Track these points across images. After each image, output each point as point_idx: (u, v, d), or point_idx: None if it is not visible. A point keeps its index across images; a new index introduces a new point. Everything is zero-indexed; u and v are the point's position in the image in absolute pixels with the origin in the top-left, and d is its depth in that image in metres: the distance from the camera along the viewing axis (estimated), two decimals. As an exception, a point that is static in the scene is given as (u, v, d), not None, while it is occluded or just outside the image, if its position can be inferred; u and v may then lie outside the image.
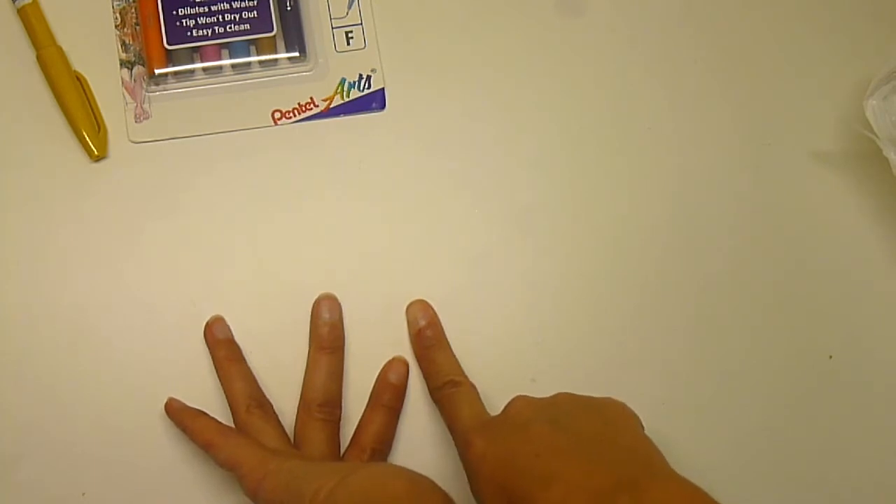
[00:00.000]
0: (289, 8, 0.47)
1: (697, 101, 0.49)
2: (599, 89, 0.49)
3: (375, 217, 0.47)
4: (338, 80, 0.47)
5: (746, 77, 0.50)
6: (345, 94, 0.48)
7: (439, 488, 0.37)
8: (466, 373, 0.45)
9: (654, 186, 0.48)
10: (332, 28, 0.48)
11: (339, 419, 0.44)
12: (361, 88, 0.48)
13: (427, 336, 0.45)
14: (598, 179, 0.48)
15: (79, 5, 0.48)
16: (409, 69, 0.48)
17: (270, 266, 0.46)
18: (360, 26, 0.48)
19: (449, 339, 0.45)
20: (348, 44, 0.48)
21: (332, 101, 0.47)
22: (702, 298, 0.47)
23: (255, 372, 0.44)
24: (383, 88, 0.48)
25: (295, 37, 0.47)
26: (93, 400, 0.44)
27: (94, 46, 0.47)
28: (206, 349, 0.44)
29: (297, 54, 0.47)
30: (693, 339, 0.46)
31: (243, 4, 0.46)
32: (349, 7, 0.48)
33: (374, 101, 0.48)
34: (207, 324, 0.45)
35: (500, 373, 0.45)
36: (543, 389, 0.45)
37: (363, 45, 0.48)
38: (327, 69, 0.48)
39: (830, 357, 0.47)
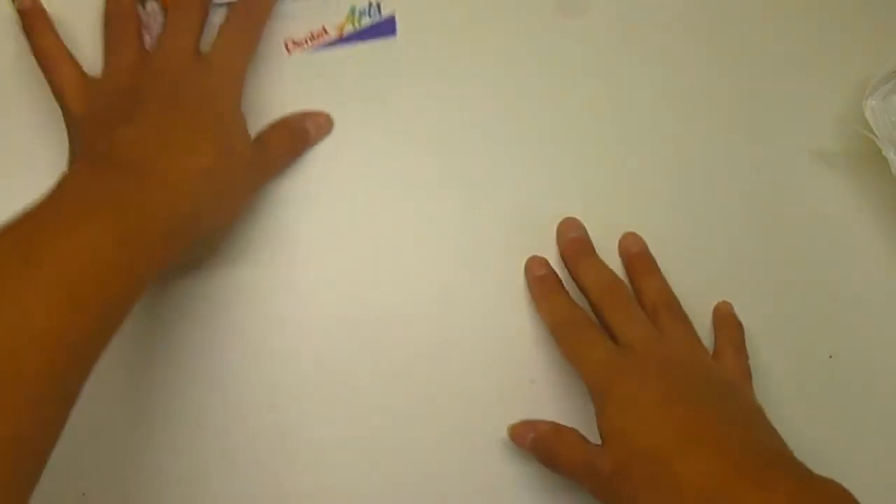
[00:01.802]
0: None
1: (697, 101, 0.49)
2: (598, 90, 0.49)
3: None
4: (348, 8, 0.48)
5: (746, 76, 0.50)
6: (356, 21, 0.48)
7: None
8: (464, 373, 0.45)
9: (653, 186, 0.48)
10: None
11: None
12: (372, 14, 0.48)
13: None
14: (598, 179, 0.48)
15: (78, 5, 0.47)
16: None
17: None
18: None
19: (446, 340, 0.45)
20: None
21: (343, 30, 0.48)
22: (701, 298, 0.47)
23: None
24: (393, 15, 0.48)
25: None
26: (93, 399, 0.44)
27: (96, 46, 0.47)
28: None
29: None
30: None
31: None
32: None
33: (385, 29, 0.48)
34: None
35: (499, 374, 0.45)
36: (543, 391, 0.45)
37: None
38: None
39: (830, 357, 0.47)
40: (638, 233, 0.47)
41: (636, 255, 0.46)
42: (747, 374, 0.44)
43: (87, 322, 0.34)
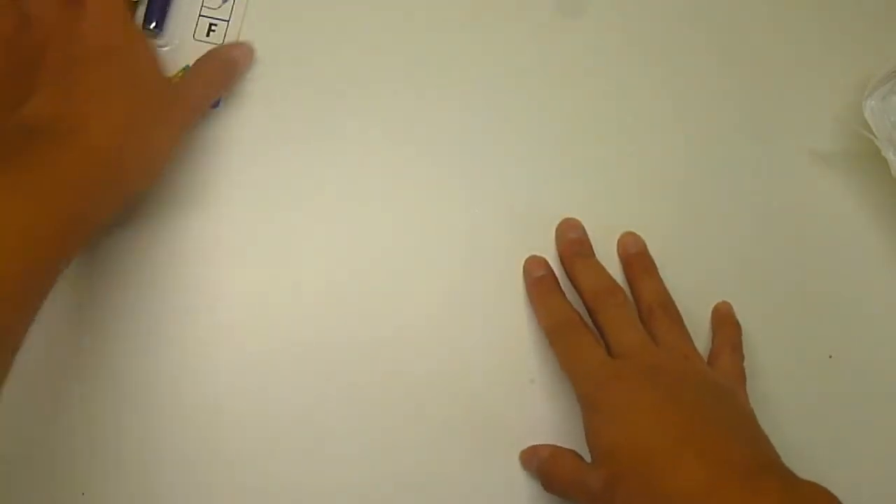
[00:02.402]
0: None
1: (697, 101, 0.49)
2: (598, 90, 0.49)
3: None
4: (181, 66, 0.47)
5: (746, 76, 0.50)
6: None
7: None
8: (464, 373, 0.45)
9: (653, 186, 0.48)
10: (199, 15, 0.47)
11: None
12: None
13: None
14: (598, 179, 0.48)
15: None
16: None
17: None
18: (227, 23, 0.47)
19: (447, 341, 0.46)
20: (208, 35, 0.47)
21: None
22: (701, 298, 0.47)
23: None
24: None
25: (158, 9, 0.47)
26: (92, 399, 0.44)
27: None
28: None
29: (152, 26, 0.46)
30: (692, 339, 0.46)
31: None
32: (224, 1, 0.47)
33: None
34: None
35: (498, 373, 0.45)
36: (543, 390, 0.45)
37: (221, 41, 0.47)
38: (178, 53, 0.47)
39: (830, 357, 0.47)
40: (637, 232, 0.47)
41: (634, 255, 0.46)
42: (741, 377, 0.44)
43: (9, 292, 0.34)
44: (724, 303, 0.47)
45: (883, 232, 0.48)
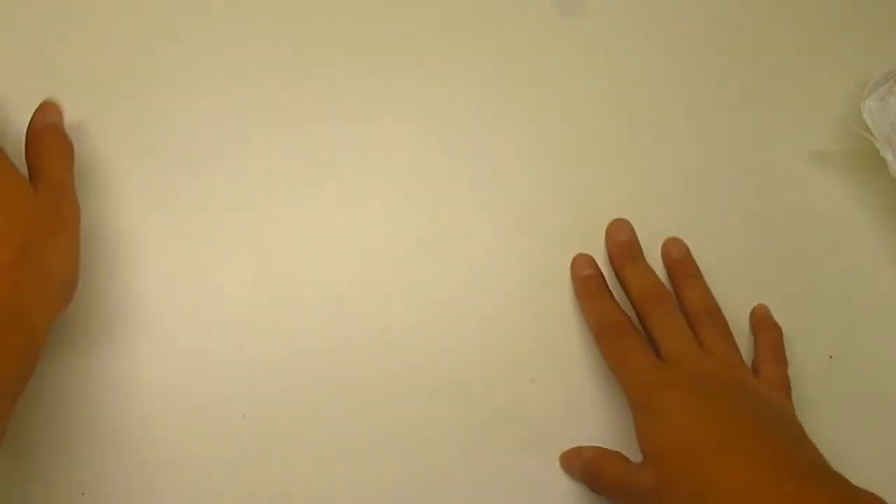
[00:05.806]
0: None
1: (696, 102, 0.50)
2: (598, 91, 0.49)
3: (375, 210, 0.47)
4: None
5: (746, 77, 0.50)
6: None
7: None
8: (464, 373, 0.45)
9: (652, 186, 0.48)
10: None
11: None
12: None
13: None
14: (599, 179, 0.48)
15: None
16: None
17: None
18: None
19: (447, 340, 0.46)
20: None
21: None
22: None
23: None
24: None
25: None
26: (93, 399, 0.44)
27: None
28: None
29: None
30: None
31: None
32: None
33: None
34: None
35: (498, 373, 0.45)
36: (543, 390, 0.45)
37: None
38: None
39: (830, 357, 0.47)
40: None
41: (679, 260, 0.46)
42: (786, 386, 0.44)
43: None
44: (761, 306, 0.47)
45: (883, 232, 0.49)
